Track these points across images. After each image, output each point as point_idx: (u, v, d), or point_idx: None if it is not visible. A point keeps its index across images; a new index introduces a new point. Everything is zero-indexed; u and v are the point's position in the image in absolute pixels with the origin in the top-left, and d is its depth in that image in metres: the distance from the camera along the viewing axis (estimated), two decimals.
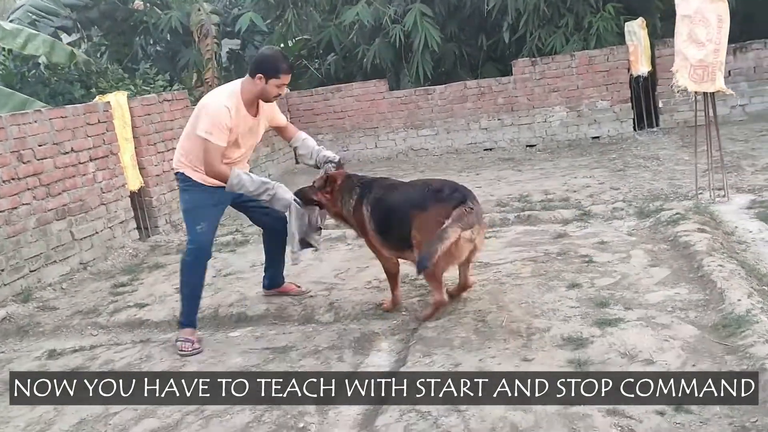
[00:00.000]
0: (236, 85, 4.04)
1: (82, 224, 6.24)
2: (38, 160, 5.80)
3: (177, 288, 5.26)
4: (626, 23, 9.75)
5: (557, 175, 7.82)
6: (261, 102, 4.10)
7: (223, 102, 3.91)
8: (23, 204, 5.61)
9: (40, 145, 5.83)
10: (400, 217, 3.87)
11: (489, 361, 3.28)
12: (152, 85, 9.54)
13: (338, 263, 5.43)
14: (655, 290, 3.86)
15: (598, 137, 10.14)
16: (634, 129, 10.09)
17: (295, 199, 4.12)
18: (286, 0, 11.29)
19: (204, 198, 4.15)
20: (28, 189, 5.67)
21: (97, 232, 6.44)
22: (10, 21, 9.28)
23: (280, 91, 4.00)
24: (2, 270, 5.37)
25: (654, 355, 3.07)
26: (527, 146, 10.43)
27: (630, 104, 10.06)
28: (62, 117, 6.13)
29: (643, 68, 9.71)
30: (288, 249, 4.39)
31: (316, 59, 13.45)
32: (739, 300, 3.38)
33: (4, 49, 8.80)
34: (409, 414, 2.89)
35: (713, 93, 5.50)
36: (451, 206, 3.76)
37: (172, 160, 7.52)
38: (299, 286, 4.87)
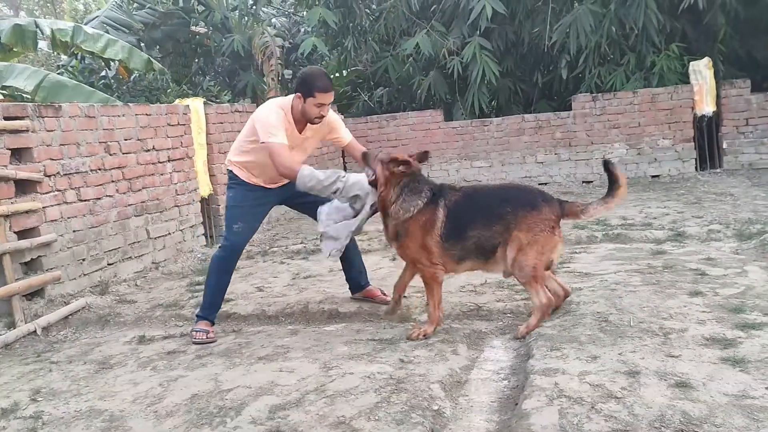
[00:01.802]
0: (288, 99, 4.07)
1: (157, 223, 6.18)
2: (123, 153, 5.79)
3: (257, 287, 5.25)
4: (691, 63, 9.71)
5: (628, 205, 7.65)
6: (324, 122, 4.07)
7: (273, 108, 3.98)
8: (107, 196, 5.57)
9: (125, 140, 5.82)
10: (496, 219, 3.63)
11: (630, 355, 3.09)
12: (217, 101, 9.61)
13: None
14: None
15: (657, 176, 9.99)
16: (696, 169, 9.93)
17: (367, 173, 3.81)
18: (347, 27, 11.41)
19: (247, 197, 4.17)
20: (112, 181, 5.65)
21: (169, 233, 6.37)
22: None
23: (321, 111, 3.92)
24: (84, 259, 5.29)
25: None
26: (584, 182, 10.30)
27: (693, 144, 9.93)
28: (147, 114, 6.14)
29: (708, 108, 9.63)
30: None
31: (367, 90, 13.57)
32: None
33: (76, 56, 8.93)
34: (559, 399, 2.71)
35: None
36: (558, 205, 3.69)
37: None
38: (385, 294, 4.67)
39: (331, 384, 3.17)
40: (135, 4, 11.86)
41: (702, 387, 2.69)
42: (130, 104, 6.19)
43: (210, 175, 7.16)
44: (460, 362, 3.41)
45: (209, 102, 9.49)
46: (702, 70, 9.57)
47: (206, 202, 7.15)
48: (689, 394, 2.64)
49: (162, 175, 6.30)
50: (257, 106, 9.45)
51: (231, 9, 12.80)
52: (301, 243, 6.95)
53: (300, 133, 4.07)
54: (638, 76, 10.29)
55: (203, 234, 6.99)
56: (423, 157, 3.93)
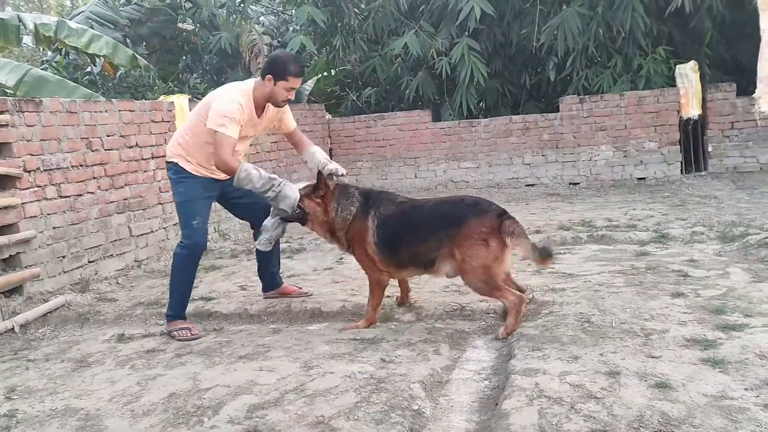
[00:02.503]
0: (249, 83, 4.03)
1: (139, 221, 6.12)
2: (105, 150, 5.73)
3: (240, 286, 5.20)
4: (678, 66, 9.76)
5: (613, 207, 7.68)
6: (269, 105, 4.08)
7: (236, 98, 3.89)
8: (88, 192, 5.51)
9: (108, 136, 5.77)
10: (426, 235, 3.71)
11: (611, 356, 3.09)
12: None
13: None
14: None
15: (643, 178, 10.03)
16: (682, 172, 9.98)
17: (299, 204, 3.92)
18: (336, 26, 11.37)
19: (198, 190, 4.10)
20: (94, 178, 5.58)
21: (152, 231, 6.32)
22: None
23: (288, 95, 3.95)
24: (64, 257, 5.23)
25: None
26: (570, 184, 10.32)
27: (678, 147, 9.98)
28: (130, 110, 6.09)
29: (693, 111, 9.67)
30: (266, 239, 4.11)
31: (355, 90, 13.53)
32: None
33: (60, 51, 8.84)
34: (539, 399, 2.69)
35: None
36: (494, 217, 3.63)
37: None
38: (300, 288, 4.76)
39: (311, 383, 3.14)
40: (121, 1, 11.76)
41: (681, 388, 2.69)
42: (113, 100, 6.12)
43: None
44: (441, 362, 3.39)
45: (195, 99, 9.43)
46: (688, 74, 9.62)
47: None
48: (669, 395, 2.64)
49: (145, 172, 6.24)
50: None
51: (219, 6, 12.74)
52: (285, 242, 6.89)
53: (259, 117, 4.07)
54: (625, 79, 10.33)
55: None
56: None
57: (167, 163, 4.20)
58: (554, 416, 2.54)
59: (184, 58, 12.49)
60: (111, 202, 5.76)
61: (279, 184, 3.87)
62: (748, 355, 2.96)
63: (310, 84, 13.55)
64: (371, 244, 3.83)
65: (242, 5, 12.39)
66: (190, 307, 4.66)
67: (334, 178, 4.06)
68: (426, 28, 11.09)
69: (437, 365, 3.33)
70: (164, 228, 6.50)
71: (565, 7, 10.24)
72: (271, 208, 4.03)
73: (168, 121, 6.62)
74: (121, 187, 5.90)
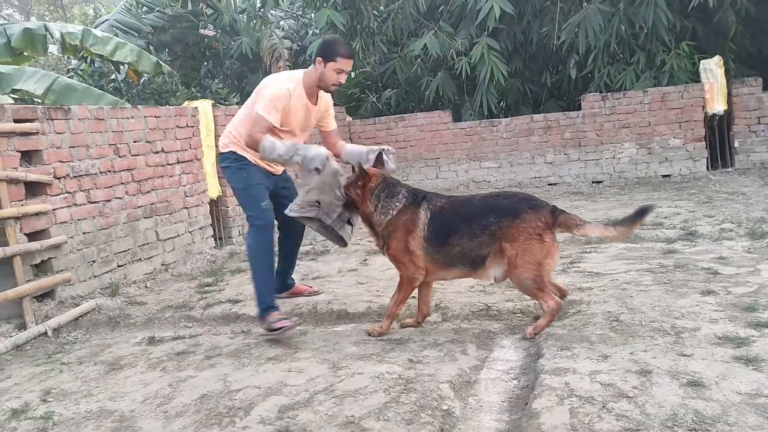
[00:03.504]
0: (300, 72, 4.07)
1: (166, 225, 6.20)
2: (132, 155, 5.81)
3: None
4: (702, 61, 9.65)
5: (638, 204, 7.57)
6: (321, 93, 4.08)
7: (284, 84, 3.92)
8: (116, 198, 5.59)
9: (135, 141, 5.85)
10: (480, 228, 3.58)
11: (641, 354, 3.06)
12: (226, 103, 9.64)
13: None
14: None
15: (668, 175, 9.92)
16: (708, 168, 9.86)
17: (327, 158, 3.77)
18: (355, 29, 11.41)
19: (260, 176, 4.14)
20: (122, 183, 5.66)
21: (179, 235, 6.39)
22: None
23: (339, 78, 3.91)
24: (94, 261, 5.31)
25: None
26: (594, 182, 10.25)
27: (704, 143, 9.86)
28: (156, 116, 6.16)
29: (719, 107, 9.56)
30: (296, 202, 3.94)
31: (375, 92, 13.57)
32: None
33: (85, 59, 8.98)
34: (570, 399, 2.68)
35: None
36: (549, 213, 3.57)
37: None
38: (311, 287, 4.78)
39: (340, 384, 3.16)
40: (144, 8, 11.92)
41: (715, 386, 2.66)
42: (139, 106, 6.20)
43: (219, 177, 7.16)
44: (469, 362, 3.39)
45: (218, 104, 9.52)
46: (713, 69, 9.51)
47: (215, 204, 7.15)
48: (702, 393, 2.61)
49: (171, 176, 6.31)
50: None
51: (239, 12, 12.85)
52: (309, 244, 6.93)
53: (315, 104, 4.07)
54: (648, 75, 10.23)
55: (212, 236, 6.99)
56: (380, 158, 3.93)
57: (222, 154, 4.24)
58: (586, 415, 2.53)
59: (205, 63, 12.62)
60: (138, 206, 5.84)
61: (303, 148, 3.81)
62: None
63: None
64: (419, 237, 3.66)
65: (262, 10, 12.49)
66: (217, 310, 4.74)
67: (385, 157, 3.96)
68: (445, 29, 11.09)
69: (465, 365, 3.33)
70: (190, 232, 6.57)
71: (586, 4, 10.18)
72: (301, 180, 3.95)
73: (192, 126, 6.70)
74: (148, 192, 5.98)
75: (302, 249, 6.58)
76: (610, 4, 9.83)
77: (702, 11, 9.68)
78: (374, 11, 11.74)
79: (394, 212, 3.72)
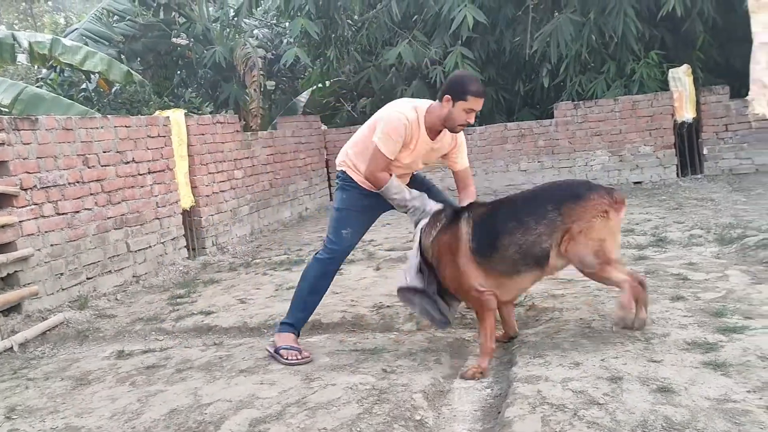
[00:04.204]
0: (425, 102, 3.70)
1: (137, 236, 6.11)
2: (102, 166, 5.73)
3: (239, 299, 5.19)
4: (671, 70, 9.81)
5: None
6: (445, 130, 3.68)
7: (405, 113, 3.57)
8: (85, 209, 5.50)
9: (104, 152, 5.77)
10: (537, 221, 3.27)
11: (612, 361, 3.08)
12: (199, 112, 9.57)
13: None
14: None
15: (640, 182, 10.06)
16: (678, 175, 10.01)
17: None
18: (330, 38, 11.42)
19: (359, 201, 3.84)
20: (91, 194, 5.58)
21: (150, 246, 6.30)
22: None
23: (468, 118, 3.51)
24: (62, 274, 5.21)
25: None
26: None
27: (674, 150, 10.02)
28: (126, 126, 6.09)
29: (687, 115, 9.72)
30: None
31: (350, 101, 13.59)
32: None
33: (55, 68, 8.86)
34: (542, 406, 2.69)
35: None
36: (607, 192, 3.32)
37: (222, 182, 7.54)
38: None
39: (312, 396, 3.13)
40: (115, 17, 11.80)
41: (684, 391, 2.68)
42: (109, 116, 6.13)
43: (192, 187, 7.10)
44: (443, 371, 3.38)
45: (191, 113, 9.45)
46: (681, 77, 9.67)
47: (188, 215, 7.08)
48: (671, 399, 2.63)
49: (142, 187, 6.23)
50: (240, 118, 9.48)
51: (212, 21, 12.78)
52: (284, 254, 6.91)
53: (433, 140, 3.67)
54: (618, 84, 10.38)
55: (185, 246, 6.91)
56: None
57: (337, 171, 4.01)
58: (557, 423, 2.53)
59: (178, 72, 12.52)
60: (108, 218, 5.75)
61: (423, 209, 3.57)
62: (750, 357, 2.95)
63: (304, 96, 13.62)
64: (466, 252, 3.33)
65: (236, 19, 12.45)
66: (189, 322, 4.68)
67: None
68: (419, 38, 11.14)
69: (439, 374, 3.32)
70: (162, 243, 6.49)
71: (557, 14, 10.30)
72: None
73: (164, 136, 6.63)
74: (119, 202, 5.89)
75: (277, 259, 6.61)
76: (580, 14, 9.96)
77: (670, 21, 9.86)
78: (348, 20, 11.76)
79: (436, 232, 3.46)
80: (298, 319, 3.87)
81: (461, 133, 3.77)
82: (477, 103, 3.49)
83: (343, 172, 3.91)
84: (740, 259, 4.77)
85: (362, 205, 3.85)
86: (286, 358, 3.66)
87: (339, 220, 3.87)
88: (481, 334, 3.34)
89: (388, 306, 4.55)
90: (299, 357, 3.66)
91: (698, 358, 3.00)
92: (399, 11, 11.06)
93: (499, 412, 2.79)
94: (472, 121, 3.57)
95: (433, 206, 3.57)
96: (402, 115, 3.56)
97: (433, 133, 3.64)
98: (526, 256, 3.30)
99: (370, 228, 4.09)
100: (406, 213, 3.68)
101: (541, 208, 3.32)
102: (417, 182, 3.94)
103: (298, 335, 3.85)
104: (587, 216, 3.26)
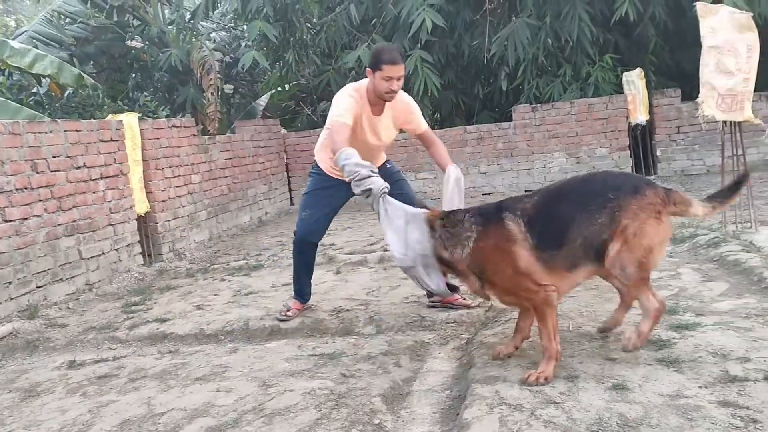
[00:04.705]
0: (364, 81, 4.05)
1: (89, 243, 5.95)
2: (51, 171, 5.57)
3: (196, 305, 5.15)
4: (624, 73, 10.00)
5: None
6: (396, 107, 4.07)
7: (347, 91, 3.99)
8: (34, 215, 5.33)
9: (54, 157, 5.60)
10: (599, 209, 2.98)
11: (569, 360, 3.10)
12: (155, 116, 9.39)
13: (367, 283, 5.25)
14: (721, 300, 3.77)
15: None
16: None
17: (383, 194, 3.37)
18: (288, 41, 11.34)
19: (320, 184, 4.29)
20: (40, 200, 5.41)
21: (103, 253, 6.14)
22: None
23: (390, 86, 3.81)
24: (10, 283, 5.04)
25: (749, 353, 2.93)
26: (526, 191, 10.40)
27: (628, 152, 10.22)
28: (77, 130, 5.93)
29: (641, 117, 9.91)
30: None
31: (310, 104, 13.52)
32: None
33: (2, 72, 8.59)
34: (500, 407, 2.69)
35: (740, 124, 5.53)
36: (663, 191, 3.05)
37: (178, 187, 7.42)
38: (465, 298, 4.31)
39: (269, 402, 3.08)
40: (66, 19, 11.52)
41: (638, 388, 2.71)
42: (59, 120, 5.95)
43: (147, 192, 6.95)
44: (402, 374, 3.37)
45: (146, 117, 9.26)
46: (635, 81, 9.86)
47: (143, 220, 6.92)
48: (626, 396, 2.66)
49: (94, 192, 6.07)
50: (197, 122, 9.33)
51: (168, 23, 12.57)
52: (243, 259, 6.81)
53: (376, 116, 4.04)
54: (575, 87, 10.55)
55: (140, 253, 6.76)
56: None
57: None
58: (515, 423, 2.53)
59: (133, 76, 12.27)
60: (59, 224, 5.58)
61: (362, 172, 3.42)
62: (701, 353, 3.01)
63: (264, 99, 13.50)
64: (525, 250, 3.00)
65: (192, 22, 12.27)
66: (144, 330, 4.57)
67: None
68: (379, 41, 11.12)
69: (398, 377, 3.30)
70: (116, 250, 6.33)
71: (514, 18, 10.42)
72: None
73: (117, 140, 6.47)
74: (70, 209, 5.73)
75: (235, 264, 6.52)
76: (536, 18, 10.10)
77: (623, 25, 10.07)
78: (307, 23, 11.71)
79: (472, 242, 3.11)
80: (295, 289, 4.55)
81: (412, 101, 4.17)
82: (392, 70, 3.80)
83: (315, 162, 4.39)
84: (692, 257, 4.87)
85: (323, 187, 4.28)
86: (279, 312, 4.47)
87: (302, 203, 4.39)
88: (543, 335, 3.00)
89: (347, 310, 4.51)
90: (284, 312, 4.44)
91: (652, 355, 3.04)
92: (358, 14, 11.06)
93: (458, 414, 2.78)
94: (395, 87, 3.85)
95: (380, 183, 3.37)
96: (346, 90, 3.99)
97: (376, 107, 4.01)
98: (589, 248, 3.01)
99: (328, 231, 4.35)
100: (352, 181, 3.45)
101: (600, 196, 3.01)
102: (387, 175, 3.97)
103: (302, 302, 4.54)
104: (642, 213, 2.96)
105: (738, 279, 4.14)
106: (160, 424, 2.97)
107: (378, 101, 3.99)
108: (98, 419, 3.11)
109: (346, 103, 3.90)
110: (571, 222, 3.00)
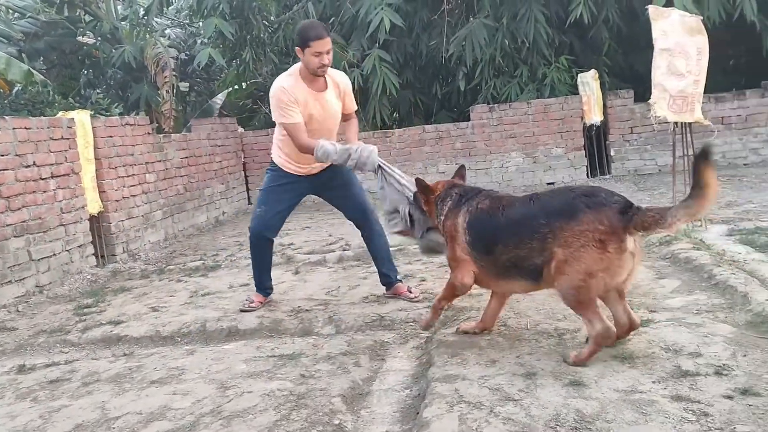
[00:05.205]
0: (295, 66, 4.18)
1: (40, 244, 5.77)
2: (0, 170, 5.38)
3: (151, 307, 5.06)
4: (579, 75, 10.19)
5: None
6: (334, 79, 4.23)
7: (279, 83, 4.09)
8: None
9: (2, 155, 5.42)
10: (530, 235, 3.04)
11: (527, 357, 3.15)
12: (108, 114, 9.17)
13: (326, 283, 5.23)
14: (673, 297, 3.87)
15: (552, 183, 10.39)
16: (588, 176, 10.41)
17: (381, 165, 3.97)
18: (245, 39, 11.21)
19: (275, 181, 4.38)
20: None
21: (54, 254, 5.97)
22: None
23: (321, 60, 3.96)
24: None
25: (700, 349, 3.02)
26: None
27: (583, 152, 10.41)
28: (26, 128, 5.74)
29: (595, 117, 10.11)
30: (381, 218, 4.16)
31: (268, 103, 13.38)
32: (767, 300, 3.40)
33: None
34: (459, 405, 2.71)
35: (691, 125, 5.69)
36: (615, 213, 2.88)
37: (132, 186, 7.27)
38: (411, 290, 4.54)
39: (228, 405, 3.04)
40: (15, 14, 11.16)
41: (594, 384, 2.76)
42: (6, 117, 5.76)
43: (100, 192, 6.78)
44: (362, 374, 3.36)
45: (99, 115, 9.05)
46: (589, 82, 10.05)
47: (96, 220, 6.75)
48: (582, 392, 2.71)
49: (45, 192, 5.89)
50: (151, 120, 9.15)
51: (121, 19, 12.29)
52: (200, 260, 6.71)
53: (320, 92, 4.14)
54: (531, 88, 10.69)
55: (93, 254, 6.59)
56: (461, 171, 3.79)
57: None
58: (474, 421, 2.55)
59: (85, 72, 11.95)
60: (7, 225, 5.40)
61: (356, 151, 3.99)
62: (654, 349, 3.08)
63: (220, 97, 13.32)
64: (460, 243, 3.31)
65: (146, 18, 12.01)
66: (97, 333, 4.46)
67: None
68: (337, 40, 11.07)
69: (358, 377, 3.29)
70: (68, 250, 6.16)
71: (471, 18, 10.50)
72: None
73: (68, 138, 6.30)
74: (19, 209, 5.55)
75: (191, 265, 6.41)
76: (493, 20, 10.21)
77: (578, 27, 10.25)
78: (264, 21, 11.58)
79: (443, 217, 3.48)
80: (256, 282, 4.66)
81: (347, 82, 4.36)
82: (320, 45, 3.93)
83: (272, 159, 4.46)
84: (645, 255, 4.98)
85: (278, 184, 4.37)
86: (241, 303, 4.60)
87: (258, 199, 4.48)
88: (439, 297, 3.56)
89: (306, 310, 4.49)
90: (247, 305, 4.54)
91: (608, 351, 3.10)
92: (316, 13, 11.00)
93: (418, 413, 2.79)
94: (326, 61, 3.99)
95: (366, 149, 4.01)
96: (277, 85, 4.09)
97: (315, 84, 4.11)
98: (518, 267, 3.13)
99: (287, 230, 4.26)
100: (347, 162, 4.02)
101: (535, 220, 3.04)
102: (338, 175, 4.46)
103: (264, 295, 4.65)
104: (576, 241, 2.90)
105: (689, 276, 4.26)
106: (114, 428, 2.90)
107: (314, 78, 4.09)
108: (50, 425, 3.03)
109: (287, 98, 4.01)
110: (499, 240, 3.17)
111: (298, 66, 4.13)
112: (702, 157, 2.76)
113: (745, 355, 2.92)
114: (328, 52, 3.99)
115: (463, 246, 3.32)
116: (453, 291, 3.47)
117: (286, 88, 4.04)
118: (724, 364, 2.85)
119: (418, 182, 3.65)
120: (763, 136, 10.09)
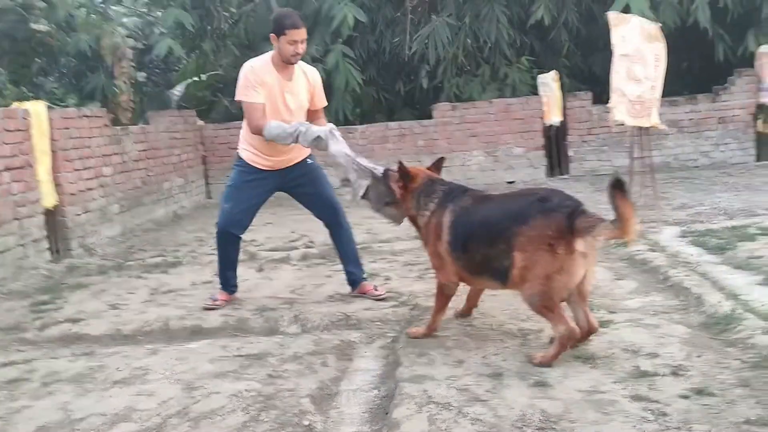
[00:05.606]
0: (266, 54, 4.20)
1: None
2: None
3: (111, 305, 4.97)
4: (539, 75, 10.37)
5: None
6: (305, 72, 4.26)
7: (250, 63, 4.15)
8: None
9: None
10: (497, 236, 3.15)
11: (493, 357, 3.21)
12: (63, 104, 8.94)
13: (291, 281, 5.21)
14: (631, 298, 4.00)
15: (513, 182, 10.55)
16: (547, 175, 10.60)
17: (331, 131, 3.97)
18: (205, 30, 11.05)
19: (242, 177, 4.35)
20: None
21: (8, 249, 5.79)
22: None
23: (295, 49, 4.01)
24: None
25: (658, 349, 3.13)
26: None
27: (543, 152, 10.60)
28: None
29: (555, 118, 10.31)
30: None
31: (229, 95, 13.21)
32: (720, 302, 3.55)
33: None
34: (428, 406, 2.75)
35: (647, 128, 5.86)
36: (563, 217, 2.98)
37: (89, 179, 7.12)
38: (377, 288, 4.58)
39: (195, 406, 3.01)
40: None
41: (558, 384, 2.84)
42: None
43: (56, 185, 6.60)
44: (330, 374, 3.37)
45: (53, 105, 8.81)
46: (549, 83, 10.23)
47: (51, 214, 6.58)
48: (547, 393, 2.78)
49: None
50: (108, 111, 8.95)
51: (76, 6, 11.96)
52: (159, 255, 6.61)
53: (289, 80, 4.15)
54: (493, 87, 10.85)
55: (48, 249, 6.43)
56: (439, 163, 3.87)
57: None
58: (443, 422, 2.60)
59: (38, 60, 11.61)
60: None
61: (304, 125, 3.98)
62: (614, 350, 3.19)
63: (179, 89, 13.10)
64: (444, 242, 3.39)
65: (103, 6, 11.73)
66: (55, 331, 4.36)
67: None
68: None
69: (326, 377, 3.30)
70: (22, 245, 5.99)
71: (434, 17, 10.57)
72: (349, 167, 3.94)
73: (23, 130, 6.12)
74: None
75: (152, 261, 6.31)
76: (456, 19, 10.30)
77: (539, 29, 10.44)
78: (225, 12, 11.44)
79: (428, 213, 3.51)
80: (220, 280, 4.62)
81: (318, 78, 4.36)
82: (296, 34, 3.98)
83: (238, 154, 4.42)
84: (603, 256, 5.11)
85: (245, 180, 4.34)
86: (206, 301, 4.56)
87: (225, 195, 4.45)
88: (432, 311, 3.64)
89: (271, 309, 4.47)
90: (211, 303, 4.52)
91: (570, 352, 3.19)
92: (278, 5, 10.90)
93: (387, 413, 2.82)
94: (300, 50, 4.04)
95: (318, 129, 3.96)
96: (247, 65, 4.14)
97: (285, 72, 4.12)
98: (488, 267, 3.26)
99: (250, 226, 4.52)
100: (298, 142, 3.99)
101: (501, 223, 3.16)
102: (309, 171, 4.49)
103: (229, 293, 4.62)
104: (530, 246, 3.01)
105: (645, 277, 4.40)
106: (79, 430, 2.85)
107: (285, 66, 4.12)
108: (11, 426, 2.95)
109: (253, 78, 4.05)
110: (473, 239, 3.30)
111: (269, 54, 4.17)
112: (615, 188, 2.92)
113: (699, 356, 3.04)
114: (302, 42, 4.04)
115: (445, 246, 3.40)
116: (443, 293, 3.57)
117: (255, 68, 4.09)
118: (680, 365, 2.96)
119: (401, 167, 3.65)
120: (714, 139, 10.45)
